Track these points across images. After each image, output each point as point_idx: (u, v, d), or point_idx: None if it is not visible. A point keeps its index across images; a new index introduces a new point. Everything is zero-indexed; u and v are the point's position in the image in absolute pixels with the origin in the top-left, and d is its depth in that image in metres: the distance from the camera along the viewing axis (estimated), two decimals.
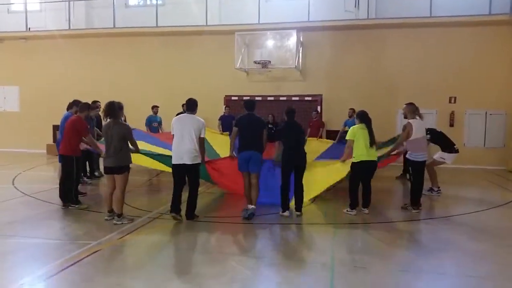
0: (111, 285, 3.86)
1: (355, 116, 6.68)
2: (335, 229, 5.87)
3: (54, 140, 14.53)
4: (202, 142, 5.95)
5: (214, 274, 4.16)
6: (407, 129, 6.63)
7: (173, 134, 5.90)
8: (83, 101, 7.54)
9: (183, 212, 6.02)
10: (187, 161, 5.78)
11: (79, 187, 7.60)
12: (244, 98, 13.00)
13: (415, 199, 6.72)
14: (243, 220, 6.07)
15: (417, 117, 6.77)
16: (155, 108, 11.95)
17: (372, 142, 6.36)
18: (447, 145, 8.16)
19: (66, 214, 6.51)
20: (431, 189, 8.06)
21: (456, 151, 8.22)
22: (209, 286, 3.87)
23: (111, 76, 14.53)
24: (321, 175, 7.15)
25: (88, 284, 3.89)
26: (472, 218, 6.53)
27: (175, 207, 5.91)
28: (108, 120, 5.82)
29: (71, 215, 6.49)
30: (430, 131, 7.75)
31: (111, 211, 5.96)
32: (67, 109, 7.75)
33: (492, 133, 12.28)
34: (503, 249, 5.05)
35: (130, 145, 5.85)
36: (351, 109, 11.12)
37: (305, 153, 6.38)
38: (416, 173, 6.72)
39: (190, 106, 6.03)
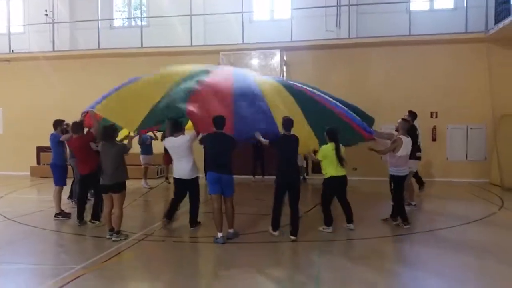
0: None
1: (326, 134, 6.48)
2: (320, 246, 5.89)
3: (38, 162, 14.36)
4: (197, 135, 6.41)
5: None
6: (396, 143, 6.68)
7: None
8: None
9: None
10: (186, 176, 6.43)
11: (66, 208, 7.60)
12: None
13: (402, 214, 6.76)
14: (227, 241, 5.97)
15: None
16: None
17: (340, 161, 6.30)
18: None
19: (49, 238, 6.42)
20: (409, 204, 8.13)
21: (418, 158, 8.26)
22: None
23: (97, 97, 14.44)
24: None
25: None
26: (456, 232, 6.62)
27: (169, 214, 6.66)
28: (103, 142, 6.11)
29: (55, 238, 6.41)
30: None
31: (112, 229, 6.06)
32: (55, 129, 7.73)
33: (473, 147, 12.54)
34: (488, 262, 5.13)
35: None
36: None
37: (299, 170, 6.27)
38: (398, 187, 6.78)
39: (175, 128, 6.43)
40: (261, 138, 6.27)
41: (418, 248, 5.90)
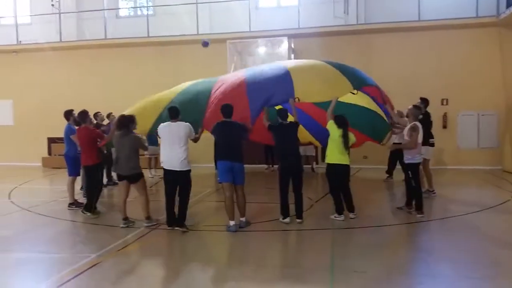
0: None
1: (333, 120, 6.37)
2: (333, 234, 5.91)
3: (50, 152, 14.50)
4: (198, 138, 6.28)
5: (214, 283, 4.18)
6: (417, 131, 6.49)
7: (161, 142, 6.12)
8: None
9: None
10: (177, 167, 5.86)
11: (79, 198, 7.72)
12: None
13: (420, 204, 6.61)
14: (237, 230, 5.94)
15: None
16: None
17: (346, 148, 6.26)
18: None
19: (65, 227, 6.51)
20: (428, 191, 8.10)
21: (432, 145, 8.19)
22: None
23: (104, 87, 14.52)
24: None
25: None
26: (468, 219, 6.59)
27: (171, 220, 6.01)
28: (120, 131, 6.17)
29: (69, 228, 6.49)
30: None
31: (126, 218, 6.20)
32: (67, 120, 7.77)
33: (485, 134, 12.43)
34: (500, 249, 5.11)
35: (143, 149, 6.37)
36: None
37: (301, 157, 6.38)
38: (415, 176, 6.64)
39: (173, 113, 6.01)
40: (265, 115, 6.41)
41: (431, 235, 5.90)
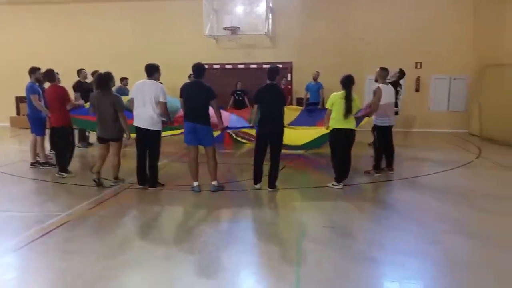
0: (78, 254, 3.86)
1: (340, 82, 5.99)
2: (303, 193, 6.03)
3: (18, 112, 14.05)
4: (163, 106, 5.83)
5: (187, 238, 4.24)
6: (377, 94, 6.52)
7: (133, 98, 5.84)
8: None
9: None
10: (148, 126, 5.78)
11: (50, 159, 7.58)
12: (214, 66, 12.86)
13: (378, 164, 6.92)
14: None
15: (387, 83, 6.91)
16: (124, 80, 11.43)
17: (348, 111, 5.84)
18: None
19: (34, 186, 6.41)
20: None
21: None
22: (183, 250, 3.95)
23: (77, 45, 13.99)
24: (295, 136, 7.13)
25: (56, 253, 3.89)
26: (434, 179, 6.85)
27: (142, 179, 6.04)
28: (97, 91, 5.85)
29: (39, 187, 6.40)
30: None
31: (98, 173, 6.09)
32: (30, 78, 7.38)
33: (455, 98, 12.73)
34: (461, 206, 5.33)
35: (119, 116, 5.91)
36: (317, 72, 11.27)
37: (283, 124, 5.87)
38: (380, 138, 6.86)
39: (149, 70, 5.84)
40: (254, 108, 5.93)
41: (399, 193, 6.12)
